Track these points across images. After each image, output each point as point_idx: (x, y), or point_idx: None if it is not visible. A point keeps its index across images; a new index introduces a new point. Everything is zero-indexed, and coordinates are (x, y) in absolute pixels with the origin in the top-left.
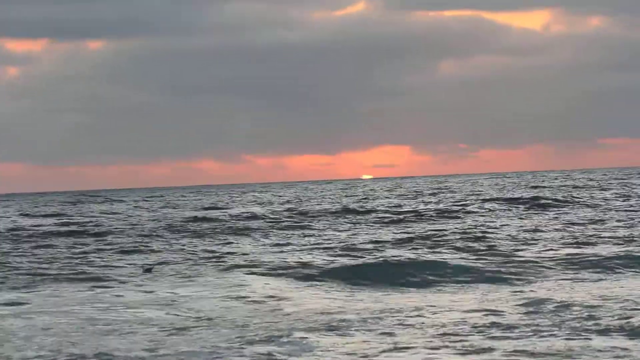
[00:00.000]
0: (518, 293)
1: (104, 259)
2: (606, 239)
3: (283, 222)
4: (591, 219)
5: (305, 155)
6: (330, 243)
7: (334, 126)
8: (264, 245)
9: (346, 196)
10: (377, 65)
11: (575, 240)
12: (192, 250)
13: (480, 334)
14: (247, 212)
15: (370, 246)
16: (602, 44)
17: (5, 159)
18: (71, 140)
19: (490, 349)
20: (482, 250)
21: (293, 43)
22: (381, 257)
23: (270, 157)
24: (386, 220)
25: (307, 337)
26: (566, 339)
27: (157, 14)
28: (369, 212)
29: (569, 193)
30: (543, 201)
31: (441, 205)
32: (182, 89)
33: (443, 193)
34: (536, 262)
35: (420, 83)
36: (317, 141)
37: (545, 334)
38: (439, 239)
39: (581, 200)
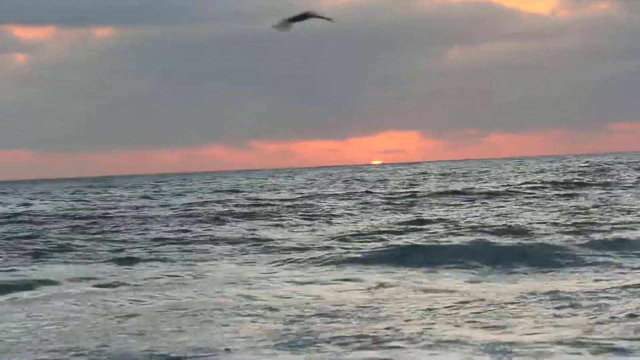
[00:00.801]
0: None
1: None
2: None
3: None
4: None
5: (313, 141)
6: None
7: (341, 112)
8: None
9: (413, 180)
10: (385, 51)
11: None
12: (325, 235)
13: None
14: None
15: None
16: (610, 28)
17: (13, 146)
18: (79, 128)
19: None
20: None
21: (300, 30)
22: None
23: (279, 143)
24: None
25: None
26: None
27: (165, 1)
28: (479, 193)
29: (605, 174)
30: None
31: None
32: (190, 77)
33: (487, 176)
34: None
35: (428, 69)
36: (325, 127)
37: None
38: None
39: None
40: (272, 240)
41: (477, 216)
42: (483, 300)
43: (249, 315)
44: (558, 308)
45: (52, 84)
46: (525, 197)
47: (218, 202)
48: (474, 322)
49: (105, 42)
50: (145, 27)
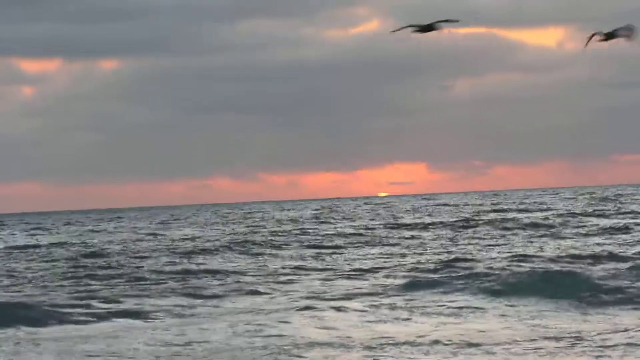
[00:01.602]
0: None
1: None
2: None
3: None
4: None
5: (320, 173)
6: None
7: (348, 144)
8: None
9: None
10: (392, 83)
11: None
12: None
13: None
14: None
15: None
16: (618, 60)
17: (21, 177)
18: (86, 159)
19: None
20: None
21: (308, 61)
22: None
23: (285, 175)
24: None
25: None
26: None
27: (170, 33)
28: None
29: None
30: None
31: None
32: (196, 108)
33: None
34: None
35: (435, 100)
36: (331, 159)
37: None
38: None
39: None
40: None
41: None
42: None
43: None
44: None
45: (58, 116)
46: None
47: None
48: None
49: (112, 74)
50: (152, 58)
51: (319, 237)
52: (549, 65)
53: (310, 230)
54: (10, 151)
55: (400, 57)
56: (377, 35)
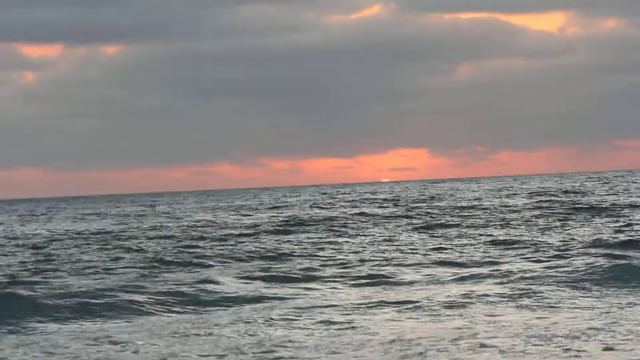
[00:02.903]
0: None
1: None
2: None
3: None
4: None
5: (322, 159)
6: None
7: (350, 129)
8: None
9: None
10: (394, 68)
11: None
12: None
13: None
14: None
15: None
16: (619, 45)
17: (23, 163)
18: (88, 145)
19: None
20: None
21: (309, 46)
22: None
23: (287, 160)
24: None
25: None
26: None
27: (171, 18)
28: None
29: None
30: None
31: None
32: (198, 93)
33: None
34: None
35: (437, 85)
36: (334, 144)
37: None
38: None
39: None
40: None
41: None
42: None
43: None
44: None
45: (61, 101)
46: None
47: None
48: None
49: (114, 60)
50: (153, 43)
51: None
52: (551, 50)
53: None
54: (11, 137)
55: (401, 42)
56: (378, 20)
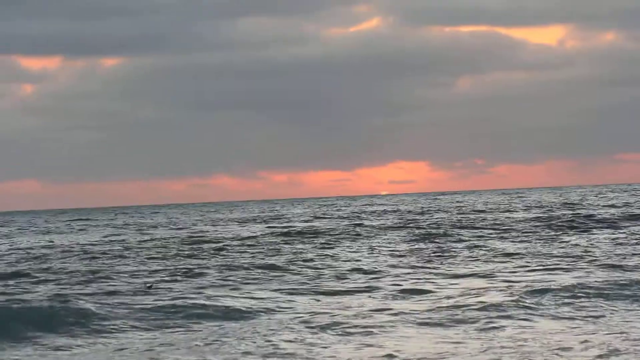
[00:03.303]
0: None
1: None
2: None
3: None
4: None
5: (321, 172)
6: None
7: (349, 142)
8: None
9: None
10: (393, 81)
11: None
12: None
13: None
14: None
15: None
16: (618, 58)
17: (22, 175)
18: (87, 157)
19: None
20: None
21: (309, 59)
22: None
23: (286, 173)
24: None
25: None
26: None
27: (171, 31)
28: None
29: None
30: None
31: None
32: (197, 105)
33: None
34: None
35: (437, 98)
36: (333, 157)
37: None
38: None
39: None
40: None
41: None
42: None
43: None
44: None
45: (60, 113)
46: None
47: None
48: None
49: (112, 72)
50: (153, 56)
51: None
52: (551, 63)
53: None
54: (10, 149)
55: (401, 55)
56: (378, 33)
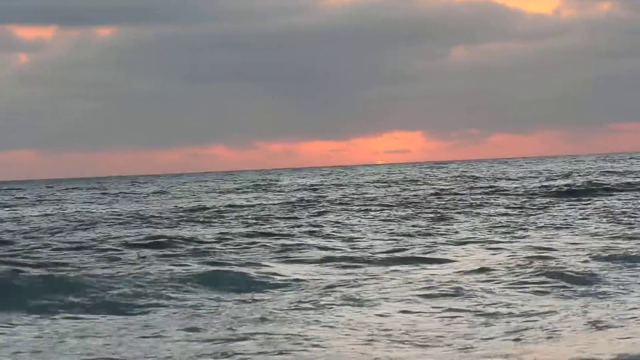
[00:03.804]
0: None
1: None
2: None
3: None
4: None
5: (316, 141)
6: None
7: (345, 112)
8: None
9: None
10: (388, 51)
11: None
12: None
13: None
14: None
15: None
16: (614, 27)
17: (17, 145)
18: (82, 127)
19: None
20: None
21: (303, 29)
22: None
23: (282, 143)
24: None
25: None
26: None
27: (168, 1)
28: None
29: None
30: None
31: None
32: (193, 76)
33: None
34: None
35: (432, 69)
36: (328, 127)
37: None
38: None
39: None
40: None
41: None
42: None
43: None
44: None
45: (54, 83)
46: None
47: None
48: None
49: (107, 42)
50: (148, 26)
51: None
52: (547, 32)
53: None
54: (5, 118)
55: (396, 25)
56: (373, 3)
